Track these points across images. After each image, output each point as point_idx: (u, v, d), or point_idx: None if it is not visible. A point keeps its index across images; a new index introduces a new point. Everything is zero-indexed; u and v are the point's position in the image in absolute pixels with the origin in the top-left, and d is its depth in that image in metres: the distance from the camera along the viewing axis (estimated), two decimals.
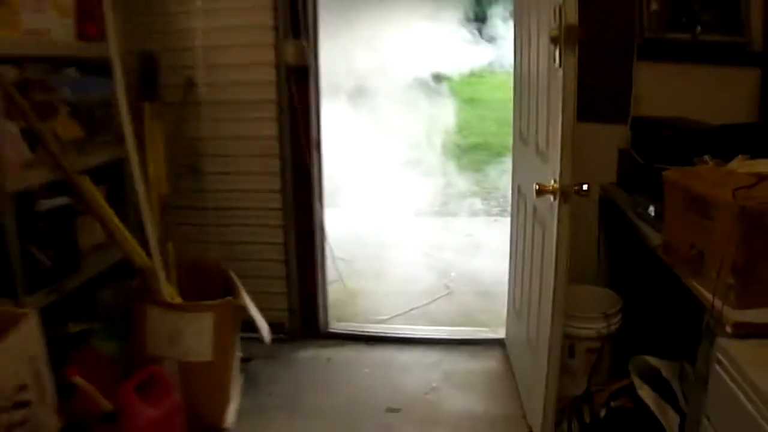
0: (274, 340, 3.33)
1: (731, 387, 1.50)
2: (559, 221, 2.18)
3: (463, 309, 3.92)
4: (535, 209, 2.59)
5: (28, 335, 1.95)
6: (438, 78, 8.58)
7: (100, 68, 2.79)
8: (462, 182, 7.18)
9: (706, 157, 2.16)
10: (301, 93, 3.16)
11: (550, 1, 2.18)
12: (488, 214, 6.31)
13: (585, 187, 2.15)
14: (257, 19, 3.10)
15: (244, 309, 2.74)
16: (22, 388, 1.89)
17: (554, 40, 2.11)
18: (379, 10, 6.84)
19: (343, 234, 5.11)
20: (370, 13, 6.64)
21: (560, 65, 2.08)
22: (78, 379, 2.11)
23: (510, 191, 3.26)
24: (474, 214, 6.31)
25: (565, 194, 2.14)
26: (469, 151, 9.13)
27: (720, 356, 1.58)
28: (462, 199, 6.72)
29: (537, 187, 2.22)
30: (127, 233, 2.75)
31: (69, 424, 2.16)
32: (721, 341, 1.59)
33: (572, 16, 2.02)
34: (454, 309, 3.94)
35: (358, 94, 6.75)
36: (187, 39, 3.16)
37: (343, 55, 6.08)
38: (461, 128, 9.77)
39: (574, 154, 2.12)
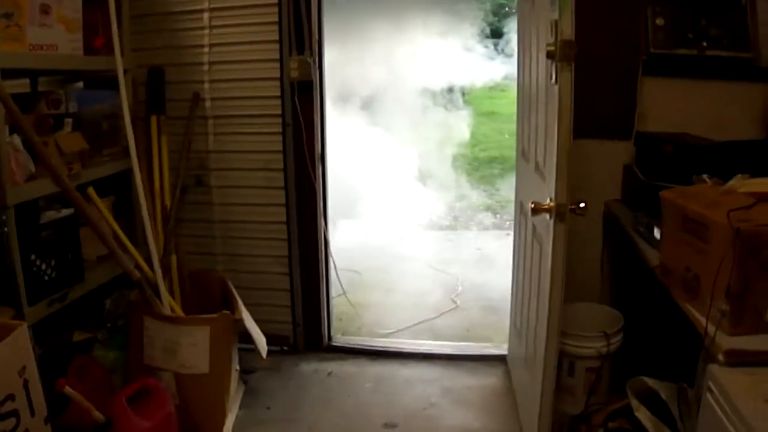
0: (277, 353, 3.34)
1: (721, 418, 1.41)
2: (554, 240, 2.10)
3: (468, 324, 3.84)
4: (534, 227, 2.51)
5: (18, 346, 1.91)
6: (453, 91, 8.52)
7: (108, 82, 2.78)
8: (475, 196, 7.09)
9: (705, 176, 2.07)
10: (305, 107, 3.12)
11: (547, 17, 2.12)
12: (500, 228, 6.22)
13: (582, 205, 2.07)
14: (262, 35, 3.07)
15: (241, 322, 2.69)
16: (10, 398, 1.86)
17: (550, 56, 2.04)
18: (395, 24, 6.78)
19: (355, 246, 5.08)
20: (385, 26, 6.59)
21: (556, 81, 2.01)
22: (69, 390, 2.07)
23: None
24: (486, 228, 6.22)
25: (560, 213, 2.06)
26: (484, 165, 9.04)
27: (711, 384, 1.49)
28: (475, 212, 6.63)
29: (533, 205, 2.15)
30: (129, 245, 2.73)
31: None
32: (713, 369, 1.50)
33: (567, 32, 1.95)
34: (459, 324, 3.85)
35: (373, 106, 6.71)
36: (195, 55, 3.15)
37: (357, 68, 6.06)
38: (478, 141, 9.72)
39: (570, 171, 2.05)
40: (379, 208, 5.89)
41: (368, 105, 6.73)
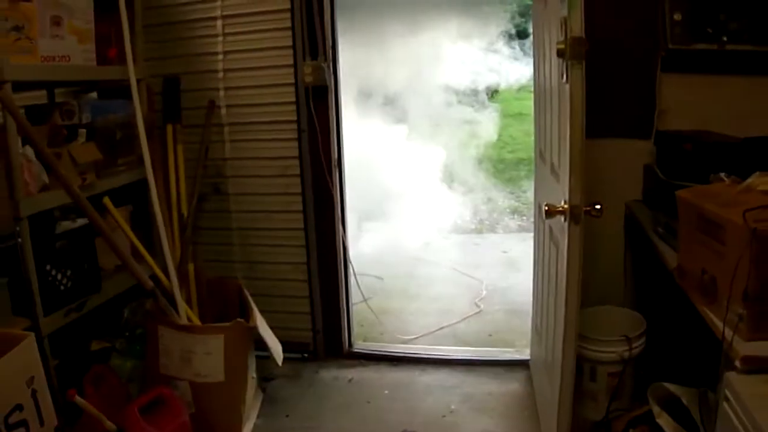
0: (297, 360, 3.32)
1: (737, 427, 1.33)
2: (569, 242, 2.02)
3: (491, 328, 3.77)
4: (551, 229, 2.44)
5: (26, 356, 1.91)
6: (479, 92, 8.41)
7: (123, 91, 2.79)
8: (501, 198, 7.00)
9: (722, 174, 1.98)
10: (320, 113, 3.09)
11: (557, 15, 2.06)
12: (526, 230, 6.10)
13: (598, 206, 1.99)
14: (276, 41, 3.05)
15: (256, 329, 2.66)
16: (18, 408, 1.86)
17: (560, 54, 1.98)
18: (418, 26, 6.72)
19: (379, 251, 5.05)
20: (407, 29, 6.53)
21: (567, 80, 1.94)
22: (79, 400, 2.06)
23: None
24: (512, 230, 6.13)
25: (575, 215, 1.99)
26: (511, 167, 8.92)
27: (727, 392, 1.41)
28: (501, 215, 6.55)
29: (546, 207, 2.09)
30: (145, 254, 2.73)
31: None
32: (730, 376, 1.43)
33: (577, 29, 1.88)
34: (482, 328, 3.78)
35: (396, 108, 6.67)
36: (209, 62, 3.15)
37: (379, 70, 6.03)
38: (505, 143, 9.61)
39: (584, 172, 1.97)
40: (404, 211, 5.83)
41: (391, 106, 6.67)
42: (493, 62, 8.60)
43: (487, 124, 8.23)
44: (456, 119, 7.67)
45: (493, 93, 9.35)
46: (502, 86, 9.35)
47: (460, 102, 7.91)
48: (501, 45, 8.72)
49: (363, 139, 5.37)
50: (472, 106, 8.20)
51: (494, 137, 8.34)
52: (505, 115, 9.69)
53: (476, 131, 7.88)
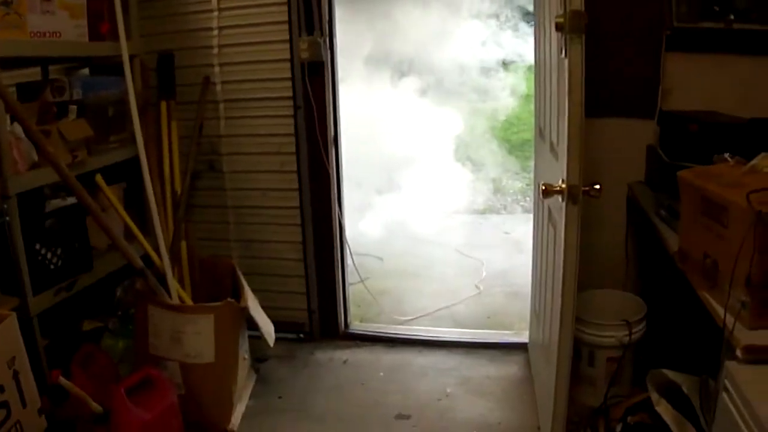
0: (292, 341, 3.27)
1: (737, 420, 1.26)
2: (566, 223, 1.94)
3: (490, 310, 3.70)
4: (549, 210, 2.36)
5: (7, 337, 1.85)
6: (490, 71, 8.24)
7: (117, 68, 2.71)
8: (506, 179, 6.90)
9: (726, 155, 1.88)
10: (316, 89, 3.01)
11: None
12: (530, 212, 6.01)
13: (597, 186, 1.91)
14: (272, 15, 2.96)
15: (247, 310, 2.60)
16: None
17: (559, 28, 1.88)
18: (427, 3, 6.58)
19: (382, 229, 4.99)
20: (417, 6, 6.38)
21: (566, 54, 1.85)
22: (63, 381, 2.00)
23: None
24: (515, 211, 6.04)
25: (573, 195, 1.90)
26: (516, 148, 8.78)
27: (727, 383, 1.33)
28: (504, 196, 6.46)
29: (544, 187, 2.00)
30: (138, 232, 2.66)
31: (57, 425, 2.07)
32: (730, 366, 1.35)
33: (577, 2, 1.79)
34: (481, 310, 3.71)
35: (405, 83, 6.55)
36: (204, 38, 3.06)
37: (387, 43, 5.92)
38: (511, 124, 9.44)
39: (583, 151, 1.88)
40: (409, 188, 5.75)
41: (403, 77, 6.55)
42: (505, 41, 8.41)
43: (495, 104, 8.08)
44: (463, 98, 7.52)
45: (505, 66, 9.11)
46: (513, 64, 9.17)
47: (469, 80, 7.74)
48: (517, 21, 8.53)
49: (371, 111, 5.30)
50: (481, 87, 8.03)
51: (501, 117, 8.19)
52: (514, 96, 9.50)
53: (482, 111, 7.73)
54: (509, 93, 8.63)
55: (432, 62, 6.90)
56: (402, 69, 6.61)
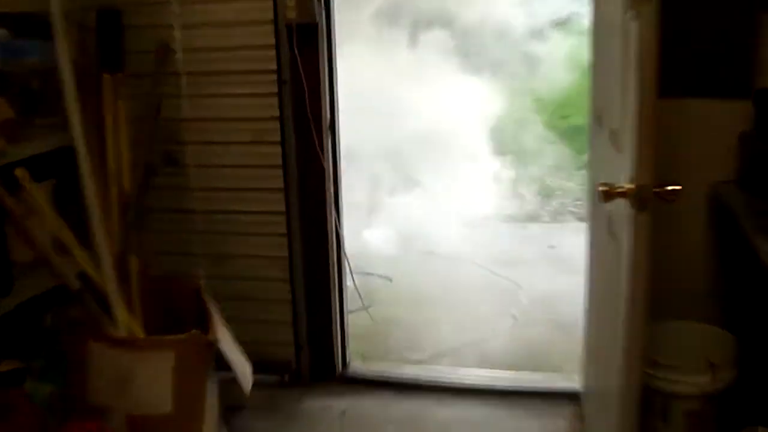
0: (275, 385, 3.34)
1: None
2: (633, 235, 1.95)
3: (530, 347, 3.76)
4: (609, 218, 2.35)
5: None
6: (540, 33, 8.23)
7: (41, 27, 2.69)
8: (549, 177, 6.91)
9: None
10: (307, 60, 3.04)
11: None
12: (581, 219, 6.01)
13: (673, 188, 1.90)
14: None
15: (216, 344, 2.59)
16: None
17: None
18: None
19: (391, 241, 5.00)
20: None
21: (634, 16, 1.84)
22: None
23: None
24: (562, 219, 6.06)
25: (642, 198, 1.89)
26: (572, 135, 8.75)
27: None
28: (547, 198, 6.48)
29: (604, 188, 2.01)
30: (73, 243, 2.65)
31: None
32: None
33: None
34: (518, 347, 3.78)
35: (431, 48, 6.63)
36: None
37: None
38: (566, 104, 9.42)
39: (655, 140, 1.88)
40: (429, 187, 5.79)
41: (420, 42, 6.62)
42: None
43: (538, 81, 8.09)
44: (501, 70, 7.55)
45: (561, 26, 9.07)
46: (568, 24, 9.17)
47: (509, 48, 7.77)
48: None
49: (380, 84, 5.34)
50: (527, 51, 8.04)
51: (551, 96, 8.21)
52: (564, 69, 9.49)
53: (528, 85, 7.75)
54: (563, 63, 8.60)
55: (461, 21, 6.94)
56: (419, 29, 6.64)
